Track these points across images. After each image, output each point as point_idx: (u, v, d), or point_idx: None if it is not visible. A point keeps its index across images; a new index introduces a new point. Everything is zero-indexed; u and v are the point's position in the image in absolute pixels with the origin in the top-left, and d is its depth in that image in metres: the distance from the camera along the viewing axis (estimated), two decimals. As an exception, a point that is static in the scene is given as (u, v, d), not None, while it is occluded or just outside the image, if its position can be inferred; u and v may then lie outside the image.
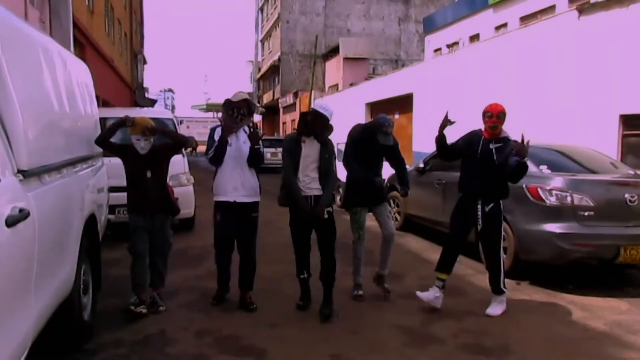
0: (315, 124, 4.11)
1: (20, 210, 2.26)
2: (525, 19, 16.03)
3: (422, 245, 7.02)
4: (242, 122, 4.26)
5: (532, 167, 5.46)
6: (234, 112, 4.19)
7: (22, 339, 2.30)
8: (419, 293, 4.39)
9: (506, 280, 5.28)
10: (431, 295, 4.35)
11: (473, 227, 4.33)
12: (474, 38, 18.76)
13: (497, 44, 11.91)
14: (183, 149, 7.45)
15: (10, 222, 2.15)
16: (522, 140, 4.00)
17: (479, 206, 4.24)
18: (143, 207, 4.19)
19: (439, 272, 4.40)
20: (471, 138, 4.34)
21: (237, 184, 4.23)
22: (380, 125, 4.51)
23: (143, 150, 4.17)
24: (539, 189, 5.13)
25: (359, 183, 4.64)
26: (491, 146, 4.20)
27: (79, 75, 4.27)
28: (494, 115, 4.21)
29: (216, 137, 4.22)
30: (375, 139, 4.52)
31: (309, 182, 4.20)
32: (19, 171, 2.49)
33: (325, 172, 4.21)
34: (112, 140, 4.27)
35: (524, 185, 5.25)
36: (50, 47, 3.49)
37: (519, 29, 11.88)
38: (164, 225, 4.32)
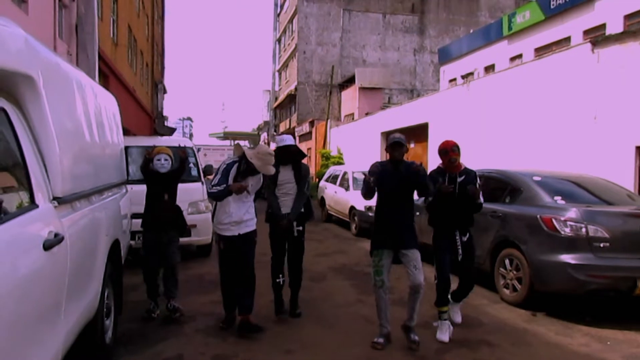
0: (285, 155, 4.81)
1: (56, 235, 2.42)
2: (539, 50, 16.22)
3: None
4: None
5: (546, 198, 5.54)
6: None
7: (52, 357, 2.41)
8: (439, 336, 4.38)
9: (522, 310, 5.30)
10: (447, 331, 4.40)
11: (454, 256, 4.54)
12: (489, 69, 18.98)
13: (512, 75, 12.05)
14: (202, 177, 7.72)
15: (47, 246, 2.30)
16: (477, 184, 4.45)
17: (457, 237, 4.50)
18: (159, 225, 4.78)
19: (441, 307, 4.46)
20: (435, 177, 4.47)
21: (239, 219, 4.45)
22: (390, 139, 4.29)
23: (163, 168, 4.79)
24: (553, 220, 5.15)
25: (382, 220, 4.28)
26: (458, 180, 4.44)
27: (108, 107, 4.50)
28: (450, 151, 4.43)
29: (230, 176, 4.35)
30: (387, 171, 4.24)
31: (289, 204, 4.86)
32: (54, 198, 2.65)
33: (300, 190, 4.88)
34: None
35: (538, 216, 5.29)
36: (84, 81, 3.71)
37: (534, 61, 12.02)
38: (175, 241, 4.94)
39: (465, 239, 4.52)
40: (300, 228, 4.93)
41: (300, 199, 4.89)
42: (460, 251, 4.49)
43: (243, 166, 4.35)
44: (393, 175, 4.20)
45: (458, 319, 4.76)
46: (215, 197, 4.36)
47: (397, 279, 4.52)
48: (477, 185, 4.45)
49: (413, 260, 4.13)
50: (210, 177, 8.36)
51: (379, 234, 4.25)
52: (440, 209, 4.50)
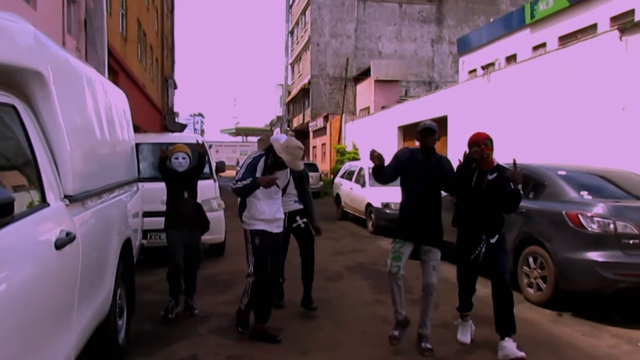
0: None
1: (67, 234, 2.38)
2: (564, 39, 15.77)
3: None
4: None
5: (572, 193, 5.34)
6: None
7: (66, 357, 2.37)
8: (460, 337, 4.28)
9: (547, 311, 5.12)
10: (468, 332, 4.30)
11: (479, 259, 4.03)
12: (511, 59, 18.53)
13: (535, 65, 11.74)
14: (214, 173, 7.60)
15: (59, 245, 2.27)
16: (515, 166, 3.78)
17: (483, 242, 3.97)
18: (181, 224, 4.76)
19: (464, 312, 4.30)
20: (464, 171, 3.97)
21: (272, 217, 4.23)
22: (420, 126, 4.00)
23: (181, 167, 4.77)
24: (579, 216, 4.96)
25: (408, 213, 4.04)
26: (489, 177, 3.90)
27: (118, 103, 4.44)
28: (482, 144, 3.85)
29: (258, 171, 4.11)
30: (417, 160, 4.01)
31: (287, 201, 4.81)
32: (66, 196, 2.60)
33: (302, 191, 4.96)
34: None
35: (563, 212, 5.11)
36: (94, 77, 3.65)
37: (558, 50, 11.68)
38: (198, 241, 4.95)
39: (493, 241, 3.96)
40: (305, 219, 5.04)
41: (310, 199, 5.08)
42: (481, 255, 3.97)
43: (270, 160, 4.11)
44: (423, 165, 3.94)
45: (518, 352, 3.86)
46: (241, 193, 4.09)
47: (417, 279, 4.39)
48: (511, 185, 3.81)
49: (433, 260, 3.95)
50: (222, 174, 8.26)
51: (404, 227, 4.01)
52: (466, 209, 4.03)
